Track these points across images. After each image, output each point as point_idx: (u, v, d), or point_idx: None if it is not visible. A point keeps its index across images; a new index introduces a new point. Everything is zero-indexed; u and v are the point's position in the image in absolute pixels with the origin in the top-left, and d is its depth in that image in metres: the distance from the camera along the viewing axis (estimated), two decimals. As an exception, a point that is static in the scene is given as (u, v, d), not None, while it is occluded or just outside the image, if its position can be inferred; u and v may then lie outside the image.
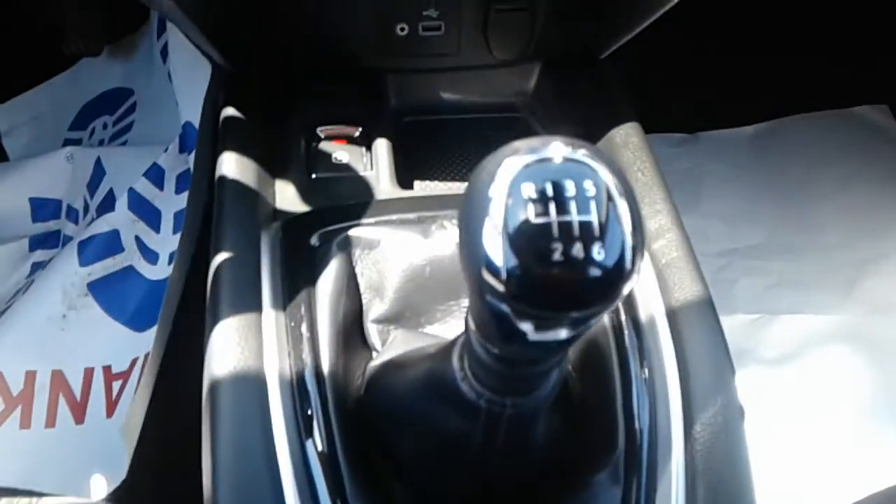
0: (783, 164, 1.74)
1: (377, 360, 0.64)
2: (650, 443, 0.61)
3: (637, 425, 0.61)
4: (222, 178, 0.74)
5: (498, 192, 0.36)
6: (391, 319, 0.68)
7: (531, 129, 0.89)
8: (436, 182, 0.82)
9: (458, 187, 0.79)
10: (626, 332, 0.66)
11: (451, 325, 0.68)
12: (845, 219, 1.64)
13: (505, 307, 0.38)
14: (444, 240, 0.69)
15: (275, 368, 0.62)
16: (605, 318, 0.66)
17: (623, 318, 0.66)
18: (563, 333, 0.40)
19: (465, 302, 0.63)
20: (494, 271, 0.36)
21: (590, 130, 0.83)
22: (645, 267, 0.69)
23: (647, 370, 0.64)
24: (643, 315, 0.66)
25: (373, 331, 0.68)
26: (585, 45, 0.91)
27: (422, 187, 0.81)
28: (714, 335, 0.65)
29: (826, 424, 1.33)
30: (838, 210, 1.65)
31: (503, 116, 0.91)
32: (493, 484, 0.57)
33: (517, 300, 0.37)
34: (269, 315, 0.64)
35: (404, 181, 0.80)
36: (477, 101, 0.91)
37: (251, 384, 0.60)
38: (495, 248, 0.36)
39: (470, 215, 0.37)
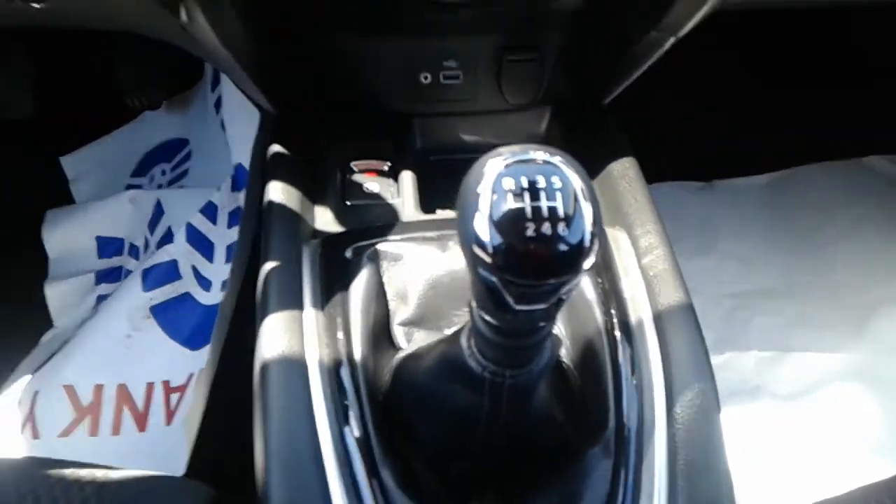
0: (796, 210, 1.81)
1: (401, 354, 0.73)
2: (637, 424, 0.69)
3: (625, 410, 0.70)
4: (269, 202, 0.85)
5: (484, 186, 0.47)
6: (414, 322, 0.77)
7: None
8: (454, 210, 0.92)
9: None
10: (617, 333, 0.75)
11: None
12: (857, 262, 1.69)
13: (494, 278, 0.48)
14: (460, 254, 0.79)
15: (315, 363, 0.71)
16: (600, 321, 0.75)
17: (615, 321, 0.76)
18: (541, 304, 0.50)
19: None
20: (483, 247, 0.47)
21: (591, 166, 0.93)
22: (635, 276, 0.79)
23: (634, 365, 0.73)
24: (633, 318, 0.76)
25: (398, 332, 0.77)
26: (590, 92, 0.99)
27: (442, 213, 0.91)
28: (694, 334, 0.74)
29: (835, 459, 1.38)
30: (850, 253, 1.71)
31: None
32: (499, 453, 0.66)
33: (502, 270, 0.47)
34: (310, 315, 0.74)
35: (427, 208, 0.89)
36: (493, 141, 1.01)
37: (296, 375, 0.70)
38: (483, 229, 0.47)
39: (464, 205, 0.48)
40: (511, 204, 0.46)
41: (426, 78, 0.94)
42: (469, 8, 0.85)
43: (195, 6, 0.75)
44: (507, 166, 0.47)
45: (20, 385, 1.25)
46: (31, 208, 1.54)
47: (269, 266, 0.79)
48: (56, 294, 1.42)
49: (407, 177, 0.91)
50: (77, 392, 1.24)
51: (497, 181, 0.47)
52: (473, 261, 0.48)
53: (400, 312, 0.78)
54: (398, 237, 0.81)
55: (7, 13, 0.92)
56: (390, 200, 0.89)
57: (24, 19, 0.98)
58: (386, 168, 0.93)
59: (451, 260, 0.79)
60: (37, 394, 1.23)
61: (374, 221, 0.86)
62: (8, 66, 1.47)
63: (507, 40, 0.93)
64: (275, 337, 0.72)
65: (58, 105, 1.60)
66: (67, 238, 1.48)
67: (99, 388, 1.24)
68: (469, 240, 0.48)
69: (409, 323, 0.77)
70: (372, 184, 0.91)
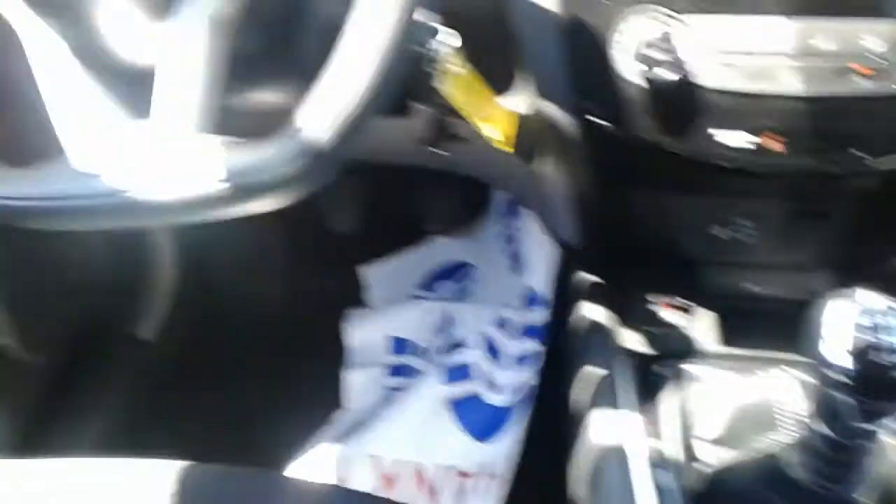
0: None
1: (715, 467, 0.81)
2: None
3: None
4: (582, 319, 1.01)
5: (843, 322, 0.59)
6: (718, 441, 0.84)
7: None
8: (745, 350, 1.00)
9: (767, 353, 0.96)
10: None
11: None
12: None
13: (846, 397, 0.59)
14: (759, 382, 0.89)
15: (635, 462, 0.83)
16: None
17: None
18: (870, 423, 0.62)
19: (776, 435, 0.82)
20: (842, 373, 0.59)
21: None
22: None
23: None
24: None
25: (700, 447, 0.85)
26: (878, 258, 1.02)
27: (732, 349, 1.00)
28: None
29: None
30: None
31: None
32: None
33: (856, 391, 0.59)
34: (624, 419, 0.88)
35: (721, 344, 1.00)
36: (779, 295, 1.04)
37: (621, 470, 0.83)
38: (843, 358, 0.59)
39: (822, 336, 0.61)
40: (870, 338, 0.58)
41: (713, 230, 1.01)
42: (760, 178, 0.93)
43: (555, 156, 0.94)
44: (862, 307, 0.60)
45: (328, 451, 1.48)
46: (332, 308, 1.81)
47: (585, 373, 0.93)
48: (352, 381, 1.64)
49: (702, 313, 1.03)
50: (381, 463, 1.45)
51: (856, 318, 0.59)
52: (828, 383, 0.60)
53: (701, 429, 0.88)
54: (699, 361, 0.93)
55: (374, 152, 1.17)
56: (688, 332, 1.01)
57: (379, 156, 1.23)
58: (681, 304, 1.05)
59: (749, 387, 0.89)
60: (346, 459, 1.45)
61: (672, 347, 0.98)
62: (345, 190, 1.80)
63: (797, 205, 0.97)
64: (598, 434, 0.85)
65: (367, 222, 1.91)
66: (364, 335, 1.69)
67: (398, 463, 1.45)
68: (827, 366, 0.60)
69: (713, 441, 0.85)
70: (670, 316, 1.03)
